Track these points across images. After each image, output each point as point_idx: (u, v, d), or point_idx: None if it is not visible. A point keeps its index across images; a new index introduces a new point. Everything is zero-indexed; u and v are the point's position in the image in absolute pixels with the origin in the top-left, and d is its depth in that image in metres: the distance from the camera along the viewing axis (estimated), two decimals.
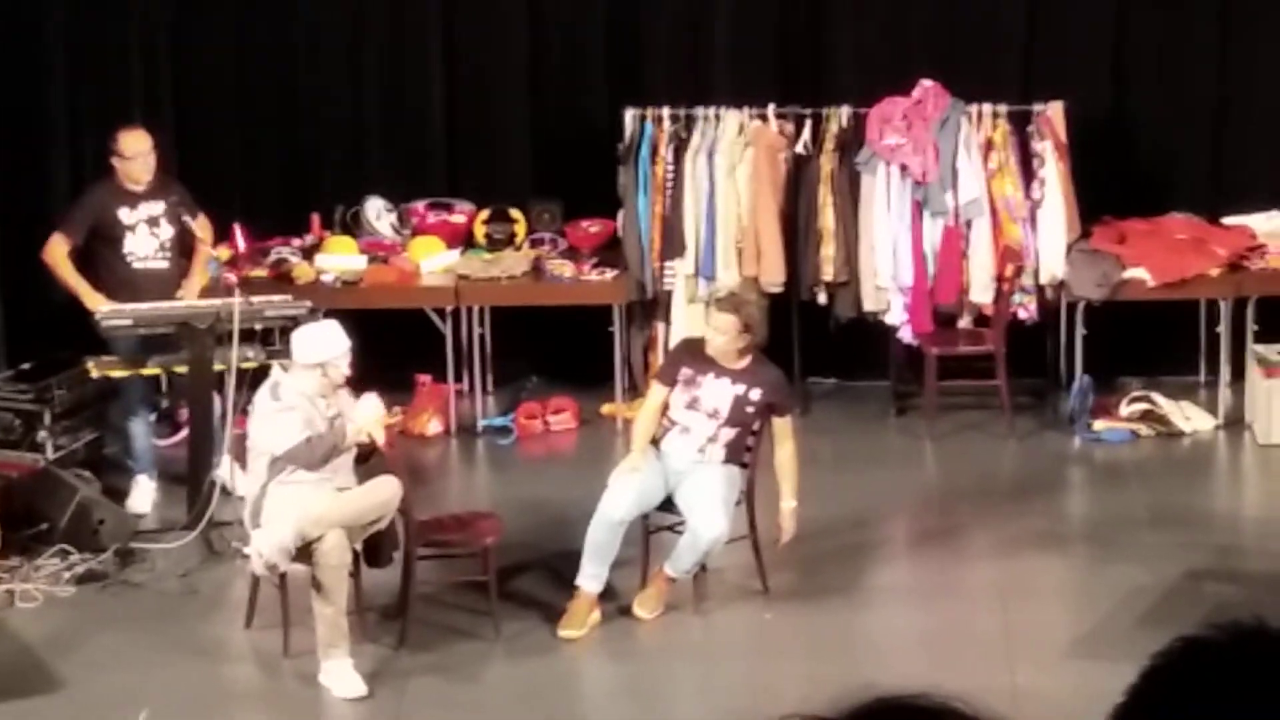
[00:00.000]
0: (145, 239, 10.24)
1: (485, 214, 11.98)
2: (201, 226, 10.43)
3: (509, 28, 12.17)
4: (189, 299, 10.25)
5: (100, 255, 10.27)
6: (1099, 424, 11.23)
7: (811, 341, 11.68)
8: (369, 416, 8.39)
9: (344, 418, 8.42)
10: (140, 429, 10.39)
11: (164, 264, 10.29)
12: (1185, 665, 1.88)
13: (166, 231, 10.29)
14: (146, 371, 10.11)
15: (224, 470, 9.63)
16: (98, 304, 9.98)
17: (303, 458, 8.26)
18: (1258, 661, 1.85)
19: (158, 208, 10.27)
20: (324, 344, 8.42)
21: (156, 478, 10.43)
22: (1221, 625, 1.88)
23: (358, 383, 8.81)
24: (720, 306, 8.95)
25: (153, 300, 9.91)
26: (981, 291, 11.42)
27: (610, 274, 11.55)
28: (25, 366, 10.55)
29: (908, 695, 1.86)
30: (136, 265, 10.11)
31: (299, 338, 8.52)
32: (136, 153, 10.26)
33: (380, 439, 8.47)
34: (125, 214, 10.22)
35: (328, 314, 8.99)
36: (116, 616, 9.00)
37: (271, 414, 8.33)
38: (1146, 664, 1.90)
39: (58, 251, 10.25)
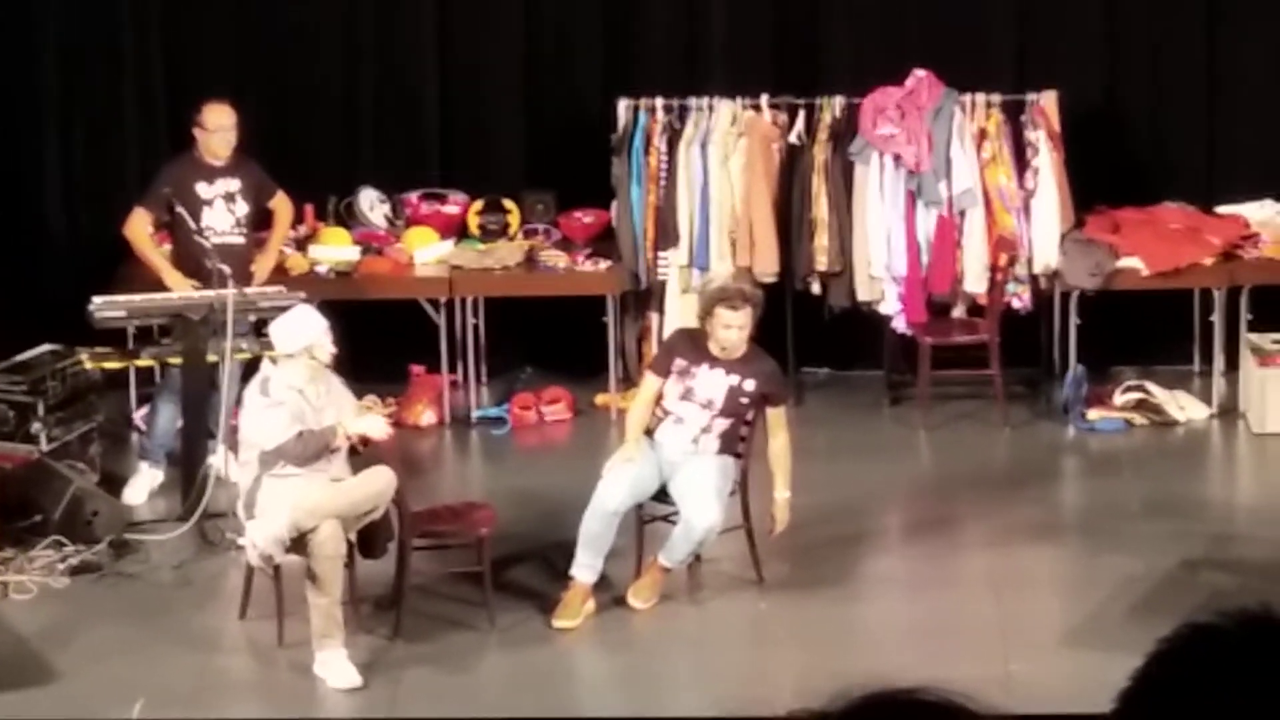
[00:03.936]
0: (222, 214, 10.21)
1: (479, 205, 11.96)
2: (281, 204, 10.45)
3: (503, 17, 12.15)
4: (261, 275, 10.27)
5: (177, 228, 10.22)
6: (1093, 413, 11.22)
7: (805, 331, 11.66)
8: (368, 425, 8.46)
9: (336, 407, 8.43)
10: (169, 411, 10.30)
11: (239, 239, 10.27)
12: (1192, 652, 1.88)
13: (242, 208, 10.28)
14: (140, 363, 10.08)
15: (219, 459, 9.63)
16: (178, 283, 9.95)
17: (293, 453, 8.27)
18: (1264, 649, 1.85)
19: (234, 184, 10.25)
20: (303, 328, 8.44)
21: (165, 468, 10.37)
22: (1228, 612, 1.88)
23: (353, 372, 8.80)
24: (734, 305, 8.84)
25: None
26: (975, 281, 11.41)
27: (604, 264, 11.54)
28: (20, 358, 10.50)
29: (905, 690, 1.86)
30: (214, 240, 10.04)
31: (277, 329, 8.53)
32: (218, 126, 10.22)
33: (380, 435, 8.50)
34: (203, 188, 10.19)
35: (321, 305, 8.95)
36: (111, 608, 8.99)
37: (260, 409, 8.35)
38: (1153, 649, 1.90)
39: (139, 227, 10.20)
